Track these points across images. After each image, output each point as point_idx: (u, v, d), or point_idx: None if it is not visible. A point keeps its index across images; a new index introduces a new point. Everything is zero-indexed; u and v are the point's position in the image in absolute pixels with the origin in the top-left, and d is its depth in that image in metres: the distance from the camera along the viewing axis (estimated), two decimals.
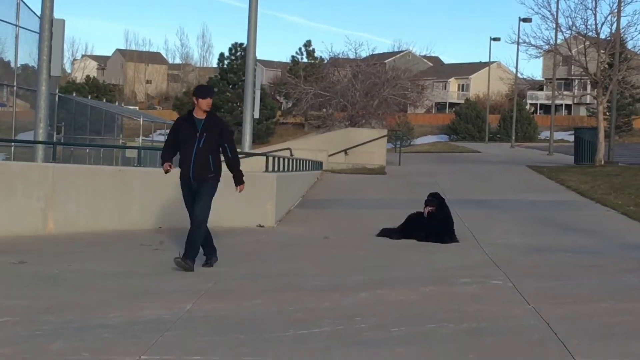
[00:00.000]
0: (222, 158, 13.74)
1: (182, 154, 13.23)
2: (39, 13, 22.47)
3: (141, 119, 53.62)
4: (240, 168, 13.72)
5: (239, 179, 13.55)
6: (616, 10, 49.72)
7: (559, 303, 11.53)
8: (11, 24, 28.69)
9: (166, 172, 13.38)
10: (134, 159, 31.14)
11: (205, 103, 12.90)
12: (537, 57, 68.18)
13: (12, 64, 29.41)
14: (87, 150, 29.40)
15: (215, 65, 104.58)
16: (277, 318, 10.57)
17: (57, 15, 21.32)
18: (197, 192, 13.21)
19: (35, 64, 24.06)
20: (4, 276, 13.33)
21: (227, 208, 20.08)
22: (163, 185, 21.01)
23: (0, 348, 8.69)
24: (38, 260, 14.95)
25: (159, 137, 61.33)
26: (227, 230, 19.24)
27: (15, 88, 29.44)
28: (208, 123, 12.98)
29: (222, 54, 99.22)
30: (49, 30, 21.38)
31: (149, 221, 19.64)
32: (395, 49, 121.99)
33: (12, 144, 24.82)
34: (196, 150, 12.88)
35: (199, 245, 13.55)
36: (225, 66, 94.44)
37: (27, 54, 29.15)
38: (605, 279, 13.89)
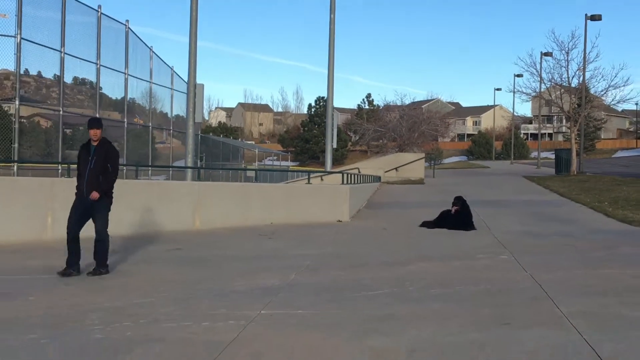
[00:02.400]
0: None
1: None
2: (185, 79, 23.39)
3: (256, 150, 54.62)
4: (112, 186, 11.87)
5: (100, 190, 11.56)
6: (582, 67, 51.48)
7: (548, 271, 11.92)
8: (168, 87, 29.17)
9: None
10: (252, 177, 32.06)
11: (91, 133, 11.63)
12: (527, 101, 71.71)
13: (169, 115, 30.16)
14: (220, 172, 30.21)
15: (305, 112, 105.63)
16: (352, 284, 11.05)
17: (198, 80, 21.66)
18: (93, 208, 11.73)
19: (185, 114, 23.98)
20: (166, 259, 13.96)
21: (317, 209, 20.82)
22: (273, 195, 22.12)
23: (164, 308, 9.41)
24: (189, 247, 15.45)
25: (268, 162, 62.10)
26: (317, 224, 19.88)
27: (171, 131, 29.91)
28: (98, 149, 11.57)
29: (310, 104, 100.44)
30: (194, 91, 21.51)
31: (264, 219, 19.88)
32: (429, 97, 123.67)
33: (170, 169, 25.69)
34: (88, 172, 11.48)
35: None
36: (312, 112, 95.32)
37: (178, 107, 29.41)
38: (579, 254, 14.28)
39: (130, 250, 14.79)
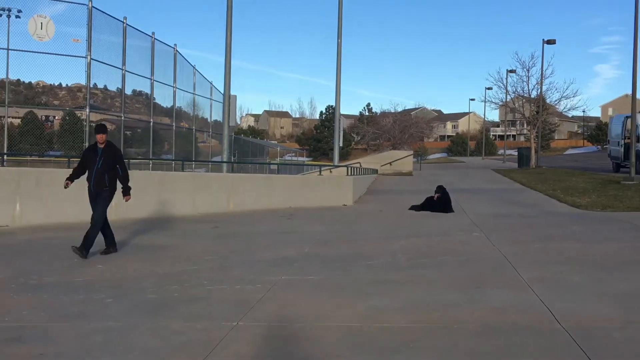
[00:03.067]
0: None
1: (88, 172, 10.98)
2: (222, 91, 23.49)
3: (278, 148, 54.78)
4: (130, 184, 11.37)
5: (125, 191, 11.28)
6: (540, 82, 51.42)
7: (511, 245, 11.90)
8: (208, 98, 29.05)
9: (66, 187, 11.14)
10: (275, 170, 32.20)
11: (99, 137, 10.97)
12: (495, 109, 73.64)
13: (209, 120, 30.08)
14: (249, 166, 30.38)
15: (317, 117, 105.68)
16: (354, 255, 11.07)
17: (232, 92, 21.73)
18: (96, 198, 11.02)
19: (221, 119, 23.97)
20: (206, 235, 13.96)
21: (327, 195, 20.91)
22: (292, 184, 22.17)
23: (205, 274, 9.57)
24: (225, 226, 15.39)
25: (288, 157, 62.26)
26: (327, 207, 19.80)
27: (210, 133, 29.98)
28: (105, 151, 10.91)
29: (321, 111, 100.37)
30: (228, 101, 21.57)
31: (284, 203, 19.85)
32: (417, 106, 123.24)
33: (210, 163, 25.76)
34: (95, 170, 10.81)
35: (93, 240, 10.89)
36: (323, 118, 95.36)
37: (216, 114, 29.33)
38: (537, 231, 14.14)
39: (179, 228, 14.87)
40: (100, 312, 7.34)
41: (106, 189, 11.00)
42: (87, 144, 18.27)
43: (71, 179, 11.07)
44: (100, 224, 11.00)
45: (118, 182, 11.33)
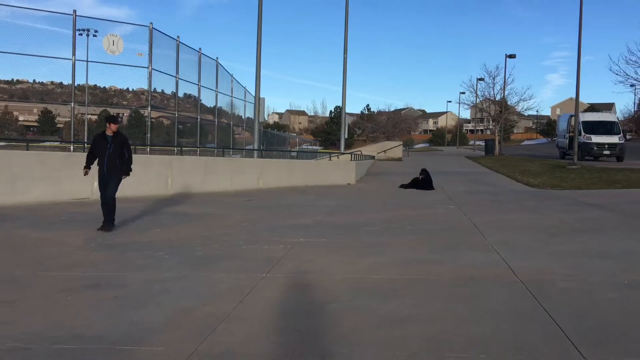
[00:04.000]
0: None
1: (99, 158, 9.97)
2: (253, 94, 23.54)
3: (297, 139, 54.81)
4: (132, 167, 10.35)
5: (126, 171, 10.20)
6: (503, 88, 51.28)
7: (479, 215, 11.89)
8: (242, 100, 29.09)
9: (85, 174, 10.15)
10: (295, 156, 32.22)
11: (112, 126, 9.94)
12: (467, 109, 73.24)
13: (243, 117, 29.96)
14: (274, 153, 30.51)
15: (328, 115, 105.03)
16: (356, 223, 11.07)
17: (261, 95, 21.88)
18: (109, 180, 9.99)
19: (253, 116, 23.99)
20: (242, 206, 13.92)
21: (335, 176, 20.97)
22: (307, 167, 22.22)
23: (240, 236, 9.59)
24: (257, 199, 15.41)
25: (305, 146, 62.29)
26: (335, 185, 19.83)
27: (244, 127, 30.20)
28: (115, 138, 9.96)
29: (331, 110, 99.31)
30: (258, 102, 21.65)
31: (302, 182, 19.85)
32: (406, 106, 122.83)
33: (244, 150, 25.92)
34: (108, 156, 9.88)
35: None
36: (332, 115, 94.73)
37: (249, 112, 29.31)
38: (500, 206, 14.19)
39: (220, 201, 14.94)
40: (160, 265, 7.42)
41: (118, 171, 10.10)
42: (149, 135, 18.36)
43: (88, 166, 10.07)
44: (113, 199, 10.11)
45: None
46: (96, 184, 14.80)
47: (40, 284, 6.38)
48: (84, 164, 10.11)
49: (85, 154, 10.84)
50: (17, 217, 11.26)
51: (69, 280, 6.55)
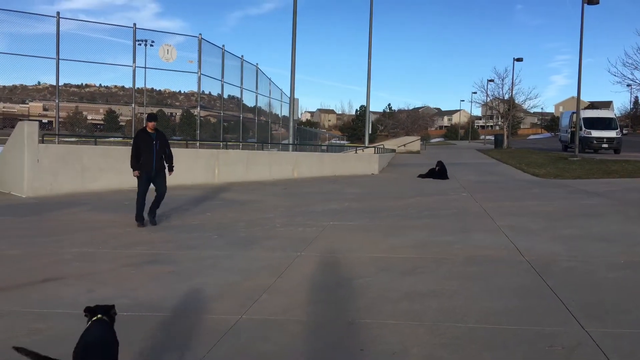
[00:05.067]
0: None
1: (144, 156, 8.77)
2: (288, 95, 23.57)
3: (327, 135, 54.64)
4: (174, 164, 9.27)
5: (170, 169, 9.19)
6: (511, 88, 50.28)
7: (490, 201, 11.75)
8: (278, 100, 28.84)
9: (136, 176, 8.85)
10: (325, 150, 32.17)
11: (152, 125, 8.84)
12: (478, 107, 71.68)
13: (279, 115, 29.99)
14: (307, 147, 30.30)
15: (354, 113, 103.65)
16: (379, 208, 11.05)
17: (295, 96, 21.97)
18: (157, 177, 8.98)
19: (288, 114, 24.18)
20: (279, 194, 13.94)
21: (360, 167, 20.92)
22: (336, 159, 22.18)
23: (278, 220, 9.63)
24: (291, 187, 15.41)
25: (334, 141, 62.23)
26: (360, 175, 19.71)
27: (281, 124, 30.13)
28: (158, 135, 8.91)
29: (356, 109, 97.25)
30: (293, 102, 21.76)
31: (331, 172, 19.74)
32: (423, 105, 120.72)
33: (280, 145, 25.88)
34: (155, 152, 8.80)
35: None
36: (357, 113, 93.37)
37: (285, 111, 29.36)
38: (507, 193, 13.88)
39: (260, 189, 15.02)
40: (208, 244, 7.51)
41: (163, 168, 9.12)
42: (198, 132, 18.52)
43: (139, 168, 8.81)
44: (163, 196, 9.16)
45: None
46: None
47: (108, 259, 6.53)
48: (132, 167, 8.82)
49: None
50: (87, 203, 11.50)
51: (131, 256, 6.68)
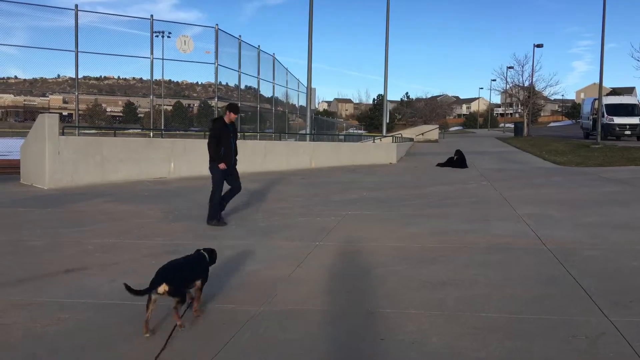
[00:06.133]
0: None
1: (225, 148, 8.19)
2: (305, 85, 23.55)
3: (344, 124, 54.69)
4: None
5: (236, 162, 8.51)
6: (531, 75, 49.74)
7: (510, 190, 11.60)
8: (295, 90, 28.93)
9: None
10: (342, 139, 32.10)
11: (234, 116, 8.24)
12: (498, 94, 70.26)
13: (296, 105, 29.96)
14: (324, 136, 30.28)
15: (371, 102, 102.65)
16: (396, 197, 11.03)
17: (312, 86, 21.80)
18: (234, 170, 8.43)
19: (305, 104, 24.19)
20: (298, 183, 13.99)
21: (378, 156, 20.84)
22: (353, 148, 22.09)
23: (297, 209, 9.58)
24: (309, 177, 15.44)
25: (351, 130, 61.86)
26: (378, 165, 19.62)
27: (297, 114, 30.12)
28: (234, 127, 8.32)
29: (374, 98, 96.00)
30: (310, 91, 21.66)
31: (349, 162, 19.65)
32: (441, 93, 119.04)
33: (297, 135, 25.91)
34: (233, 144, 8.28)
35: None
36: (375, 102, 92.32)
37: (302, 101, 29.27)
38: (527, 181, 13.76)
39: (278, 180, 15.04)
40: (228, 234, 7.56)
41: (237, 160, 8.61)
42: None
43: (222, 159, 8.27)
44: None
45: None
46: (173, 165, 15.18)
47: (129, 250, 6.60)
48: (216, 157, 8.20)
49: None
50: (107, 194, 11.64)
51: (152, 247, 6.75)
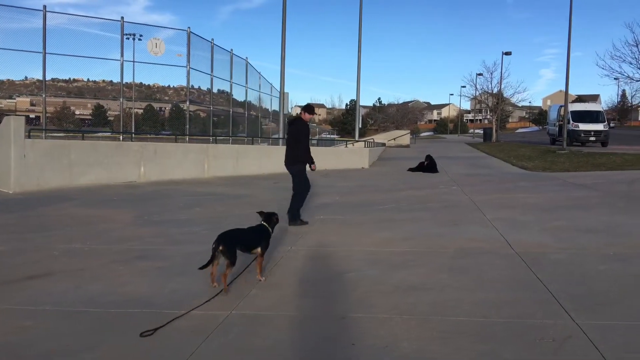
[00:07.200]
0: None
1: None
2: (279, 89, 23.54)
3: (317, 129, 54.64)
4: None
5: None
6: (499, 82, 50.84)
7: (479, 194, 11.77)
8: (268, 94, 28.75)
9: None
10: (315, 144, 32.07)
11: (309, 116, 8.31)
12: (467, 101, 71.52)
13: (269, 109, 29.74)
14: None
15: (344, 107, 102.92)
16: (370, 202, 11.06)
17: (285, 90, 21.74)
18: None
19: (278, 109, 24.22)
20: (270, 188, 13.85)
21: (351, 161, 20.93)
22: (327, 153, 21.94)
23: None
24: (282, 181, 14.70)
25: (324, 135, 61.95)
26: (351, 169, 19.70)
27: (271, 118, 30.00)
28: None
29: (346, 103, 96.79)
30: (283, 96, 21.56)
31: (321, 166, 20.14)
32: (413, 99, 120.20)
33: (270, 139, 25.84)
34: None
35: None
36: (348, 107, 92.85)
37: (274, 105, 29.26)
38: (496, 185, 14.01)
39: (250, 184, 14.94)
40: (198, 239, 7.43)
41: None
42: (187, 126, 18.37)
43: (313, 161, 8.43)
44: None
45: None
46: (143, 169, 14.95)
47: (96, 255, 6.44)
48: (311, 161, 8.34)
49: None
50: (75, 198, 11.37)
51: (120, 252, 6.60)
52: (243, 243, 5.09)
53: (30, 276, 5.51)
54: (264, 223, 5.43)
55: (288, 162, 8.48)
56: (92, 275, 5.56)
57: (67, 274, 5.62)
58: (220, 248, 4.78)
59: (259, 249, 5.20)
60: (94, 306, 4.58)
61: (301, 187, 8.37)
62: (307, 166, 8.47)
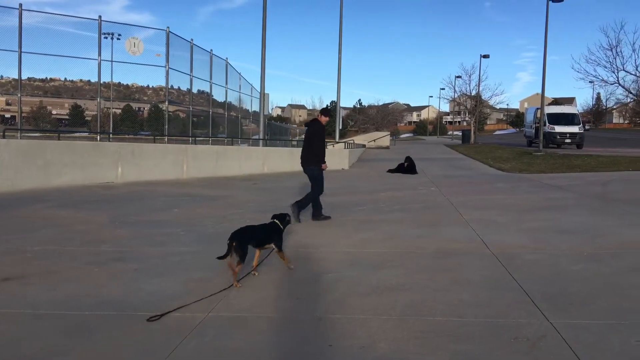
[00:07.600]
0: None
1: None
2: (259, 90, 23.42)
3: (297, 130, 54.66)
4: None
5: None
6: (478, 84, 51.49)
7: (457, 195, 11.88)
8: (249, 95, 28.59)
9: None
10: (295, 144, 32.09)
11: (325, 119, 8.80)
12: (446, 103, 72.05)
13: (250, 110, 29.67)
14: (277, 142, 30.26)
15: None
16: (350, 202, 11.07)
17: (266, 91, 21.66)
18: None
19: (258, 110, 24.13)
20: (249, 189, 13.80)
21: (331, 162, 20.98)
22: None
23: (248, 215, 9.49)
24: (262, 182, 15.29)
25: (301, 137, 62.51)
26: (331, 170, 19.73)
27: (251, 119, 29.91)
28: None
29: (327, 105, 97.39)
30: (263, 97, 21.52)
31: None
32: (393, 101, 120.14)
33: (250, 140, 25.74)
34: None
35: None
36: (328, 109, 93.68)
37: (255, 106, 29.23)
38: (473, 187, 14.08)
39: (230, 185, 14.86)
40: (176, 241, 7.37)
41: None
42: (166, 127, 18.19)
43: (325, 161, 8.98)
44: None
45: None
46: (120, 169, 14.77)
47: (71, 257, 6.33)
48: (324, 160, 8.86)
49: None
50: (50, 199, 11.19)
51: (96, 254, 6.50)
52: (255, 239, 5.47)
53: (4, 278, 5.39)
54: (276, 220, 5.78)
55: (303, 162, 9.10)
56: (67, 278, 5.47)
57: (41, 276, 5.51)
58: (234, 244, 5.08)
59: (272, 245, 5.61)
60: (68, 309, 4.50)
61: (318, 185, 8.97)
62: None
